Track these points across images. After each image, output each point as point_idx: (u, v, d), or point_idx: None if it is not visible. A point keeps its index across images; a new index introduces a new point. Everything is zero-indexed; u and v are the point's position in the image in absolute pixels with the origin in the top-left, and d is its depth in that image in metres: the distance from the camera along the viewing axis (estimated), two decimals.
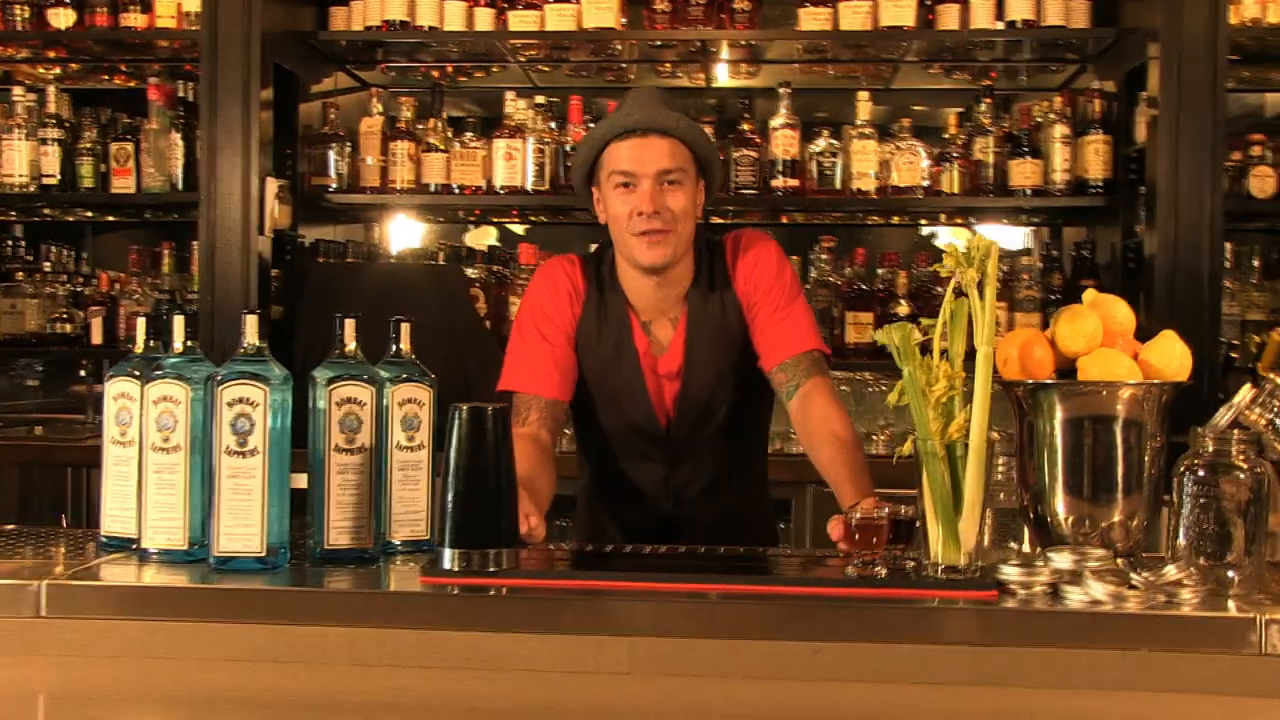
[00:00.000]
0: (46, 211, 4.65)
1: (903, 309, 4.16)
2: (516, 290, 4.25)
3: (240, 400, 1.85)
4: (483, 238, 5.14)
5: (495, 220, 4.99)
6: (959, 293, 1.90)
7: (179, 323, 1.97)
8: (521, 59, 4.45)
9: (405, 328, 2.11)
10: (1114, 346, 1.88)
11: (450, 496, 1.84)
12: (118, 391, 2.02)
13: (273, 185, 3.97)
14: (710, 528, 2.39)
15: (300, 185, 4.24)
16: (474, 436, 1.84)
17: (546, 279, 2.60)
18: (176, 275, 4.48)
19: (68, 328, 4.36)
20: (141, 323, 2.10)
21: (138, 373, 2.01)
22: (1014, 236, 4.90)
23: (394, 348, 2.10)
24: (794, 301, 2.55)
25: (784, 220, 4.73)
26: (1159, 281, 3.76)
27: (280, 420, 1.89)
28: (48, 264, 4.53)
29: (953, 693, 1.70)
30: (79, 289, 4.51)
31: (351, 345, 1.99)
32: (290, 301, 4.10)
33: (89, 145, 4.28)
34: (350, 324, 1.99)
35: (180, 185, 4.21)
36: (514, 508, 1.89)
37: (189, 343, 1.98)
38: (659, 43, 4.28)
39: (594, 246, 2.70)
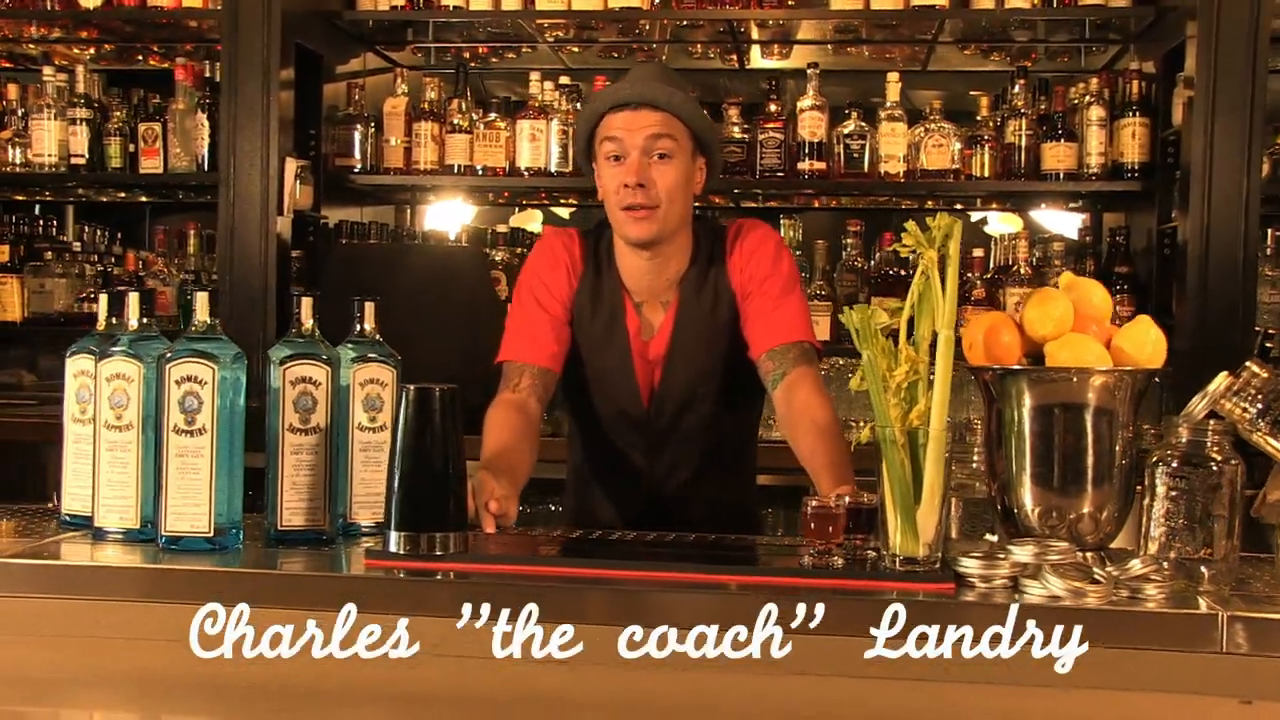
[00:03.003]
0: (80, 191, 4.69)
1: None
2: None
3: (188, 378, 1.84)
4: (526, 220, 5.12)
5: (525, 202, 4.95)
6: (925, 274, 1.84)
7: (134, 299, 1.96)
8: (549, 39, 4.41)
9: (369, 306, 2.08)
10: (1087, 332, 1.81)
11: (397, 478, 1.81)
12: (77, 369, 2.02)
13: (292, 165, 3.97)
14: (689, 523, 2.34)
15: (324, 166, 4.24)
16: (421, 418, 1.80)
17: (545, 250, 2.57)
18: (204, 255, 4.50)
19: (95, 307, 4.39)
20: (103, 299, 2.09)
21: (95, 349, 2.00)
22: (1057, 222, 4.78)
23: (358, 327, 2.08)
24: (789, 293, 2.49)
25: (814, 204, 4.65)
26: (1192, 268, 3.63)
27: (231, 399, 1.87)
28: (78, 244, 4.57)
29: (905, 687, 1.64)
30: (108, 269, 4.55)
31: (309, 323, 1.97)
32: (311, 283, 4.10)
33: (118, 125, 4.31)
34: (307, 301, 1.97)
35: (206, 166, 4.23)
36: (463, 490, 1.85)
37: (144, 320, 1.97)
38: (686, 23, 4.22)
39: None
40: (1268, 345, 3.66)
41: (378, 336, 2.08)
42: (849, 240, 4.21)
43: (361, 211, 4.62)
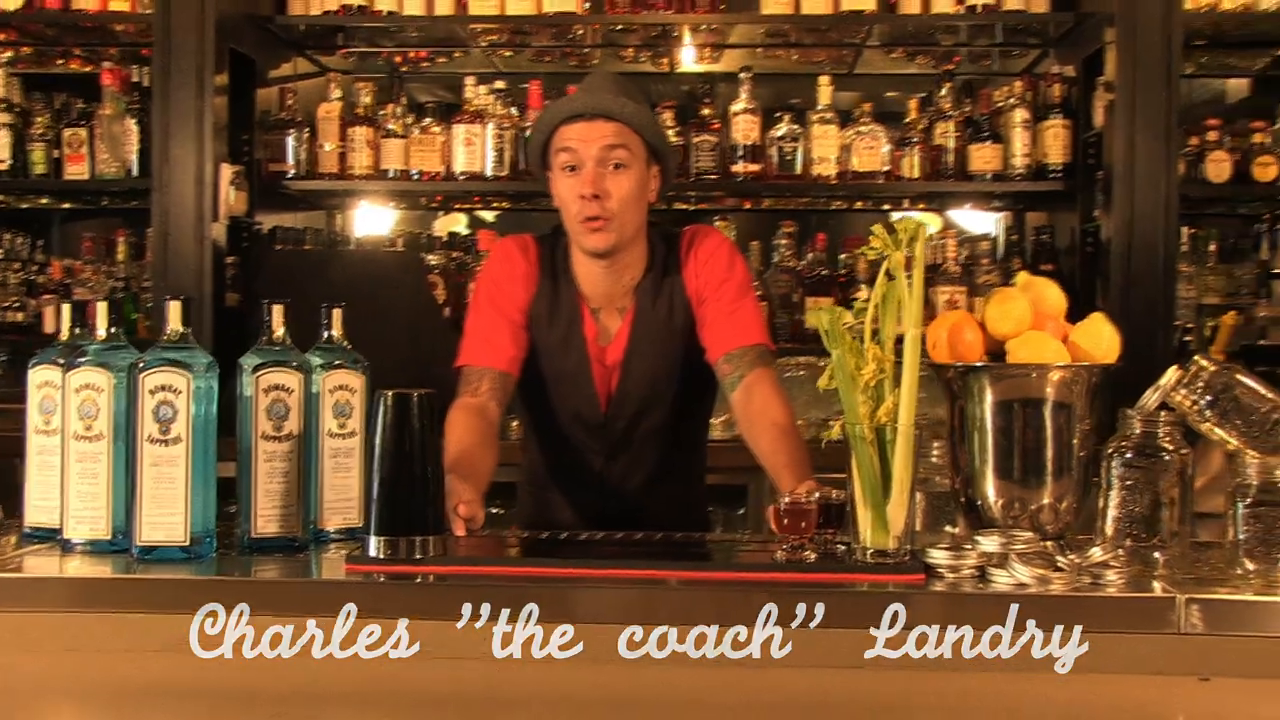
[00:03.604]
0: (1, 198, 4.61)
1: (864, 294, 4.12)
2: (476, 277, 4.22)
3: (163, 388, 1.83)
4: (452, 224, 5.12)
5: (458, 206, 4.96)
6: (891, 275, 1.90)
7: (102, 309, 1.96)
8: (482, 44, 4.42)
9: (337, 313, 2.09)
10: (1044, 329, 1.88)
11: (376, 483, 1.82)
12: (41, 380, 2.00)
13: (227, 171, 3.94)
14: (644, 523, 2.38)
15: (258, 172, 4.21)
16: (399, 423, 1.82)
17: (502, 257, 2.59)
18: (133, 263, 4.45)
19: (19, 316, 4.32)
20: (66, 309, 2.08)
21: (61, 360, 1.99)
22: (979, 221, 4.90)
23: (325, 334, 2.09)
24: (743, 297, 2.54)
25: (746, 205, 4.71)
26: (1115, 265, 3.76)
27: (204, 408, 1.87)
28: (1, 251, 4.48)
29: (882, 675, 1.69)
30: (32, 277, 4.47)
31: (280, 331, 1.97)
32: (246, 289, 4.07)
33: (41, 131, 4.24)
34: (278, 309, 1.97)
35: (136, 172, 4.18)
36: (441, 494, 1.87)
37: (112, 329, 1.96)
38: (620, 27, 4.26)
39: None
40: (1187, 339, 3.81)
41: (345, 343, 2.09)
42: (782, 241, 4.28)
43: (294, 217, 4.59)
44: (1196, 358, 1.81)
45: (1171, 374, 1.80)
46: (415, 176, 4.22)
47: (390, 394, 1.83)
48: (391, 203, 4.78)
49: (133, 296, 4.33)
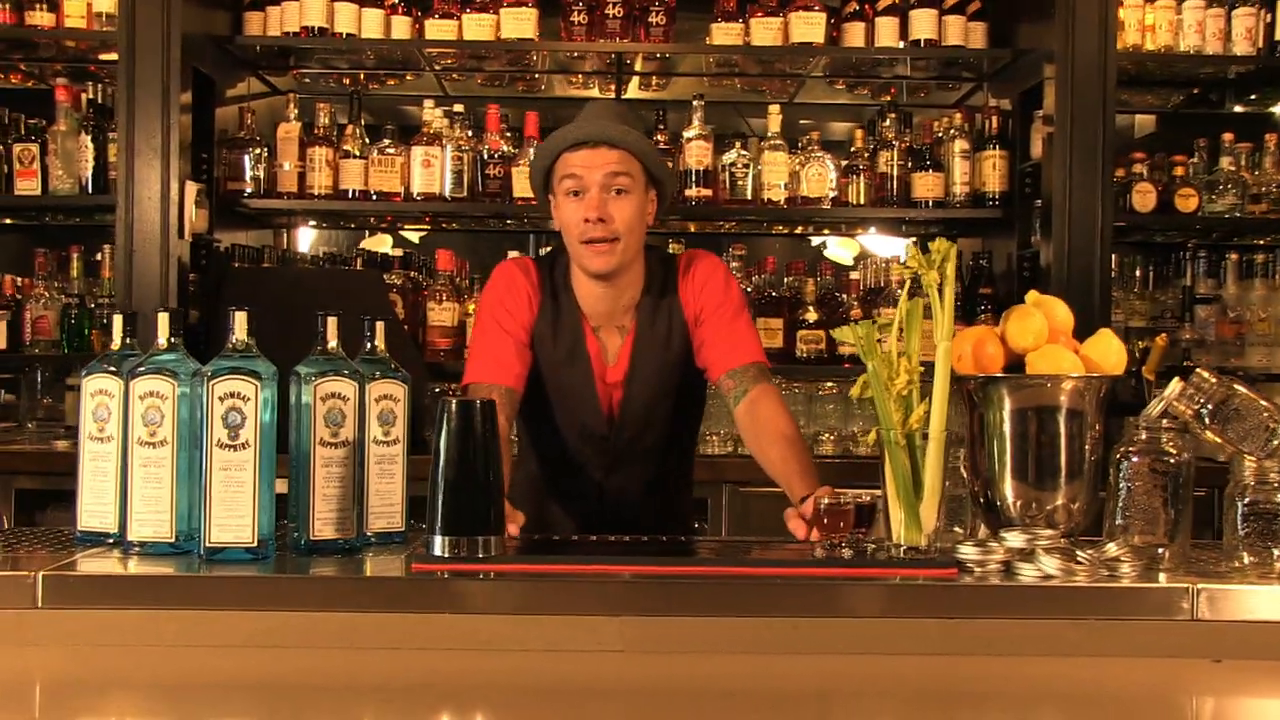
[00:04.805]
0: None
1: (811, 315, 4.32)
2: (435, 296, 4.30)
3: (232, 394, 1.90)
4: (379, 244, 5.17)
5: (408, 226, 5.01)
6: (913, 293, 2.05)
7: (164, 319, 2.01)
8: (437, 67, 4.51)
9: (380, 326, 2.17)
10: (1056, 343, 2.04)
11: (441, 486, 1.91)
12: (96, 388, 2.04)
13: (192, 189, 3.96)
14: (637, 530, 2.49)
15: (216, 190, 4.23)
16: (463, 429, 1.91)
17: (504, 278, 2.67)
18: (84, 279, 4.42)
19: None
20: (118, 320, 2.12)
21: (114, 369, 2.04)
22: (892, 247, 5.07)
23: (368, 345, 2.16)
24: (740, 316, 2.67)
25: (691, 229, 4.85)
26: (1053, 290, 3.96)
27: (269, 415, 1.93)
28: None
29: (918, 662, 1.82)
30: None
31: (334, 342, 2.05)
32: (206, 305, 4.08)
33: None
34: (333, 321, 2.05)
35: (90, 188, 4.18)
36: (500, 496, 1.96)
37: (172, 339, 2.02)
38: (576, 54, 4.38)
39: (545, 249, 2.79)
40: None
41: (386, 355, 2.16)
42: (734, 264, 4.42)
43: (246, 235, 4.61)
44: (1198, 369, 1.98)
45: (1175, 385, 1.97)
46: (374, 197, 4.28)
47: (455, 401, 1.92)
48: (344, 223, 4.82)
49: (88, 313, 4.31)
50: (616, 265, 2.57)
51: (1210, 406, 1.96)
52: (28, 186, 4.23)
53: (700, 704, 1.72)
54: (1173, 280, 4.43)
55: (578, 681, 1.77)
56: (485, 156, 4.32)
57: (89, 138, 4.18)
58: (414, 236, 5.22)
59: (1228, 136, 4.37)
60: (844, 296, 4.45)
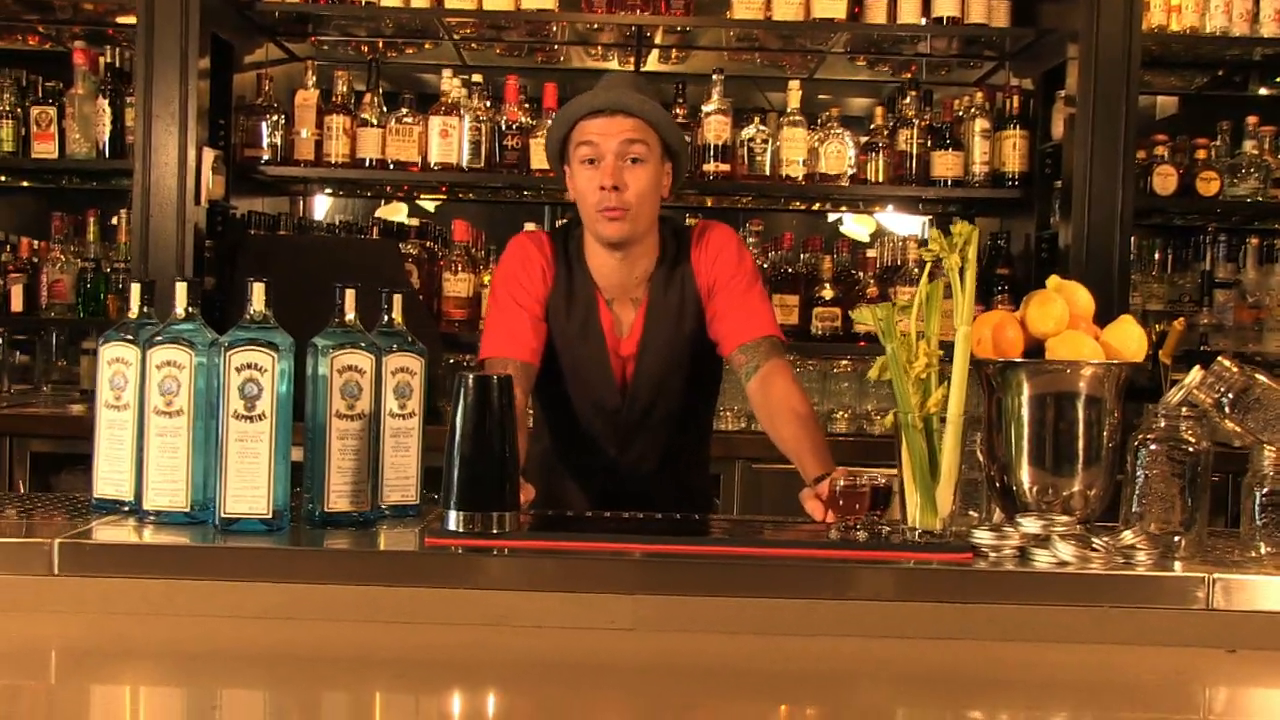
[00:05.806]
0: None
1: (827, 293, 4.30)
2: (451, 267, 4.29)
3: (249, 365, 1.89)
4: (395, 213, 5.16)
5: (424, 196, 5.00)
6: (933, 275, 2.03)
7: (181, 289, 2.00)
8: (456, 37, 4.49)
9: (397, 299, 2.16)
10: (1077, 329, 2.02)
11: (456, 461, 1.90)
12: (113, 356, 2.04)
13: (209, 155, 3.96)
14: (653, 506, 2.49)
15: (233, 157, 4.23)
16: (479, 404, 1.90)
17: (519, 251, 2.67)
18: (100, 243, 4.43)
19: None
20: (136, 288, 2.12)
21: (131, 338, 2.03)
22: (909, 225, 5.06)
23: (385, 318, 2.16)
24: (752, 289, 2.66)
25: (709, 204, 4.83)
26: (1071, 272, 3.94)
27: (286, 387, 1.93)
28: None
29: (931, 646, 1.82)
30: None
31: (351, 315, 2.04)
32: (222, 273, 4.08)
33: (7, 108, 4.20)
34: (350, 294, 2.04)
35: (108, 153, 4.17)
36: (515, 472, 1.96)
37: (190, 309, 2.01)
38: (595, 26, 4.35)
39: (560, 221, 2.78)
40: None
41: (403, 327, 2.16)
42: (750, 239, 4.41)
43: (263, 202, 4.60)
44: (1220, 358, 1.97)
45: (1195, 373, 1.96)
46: (391, 166, 4.27)
47: (471, 376, 1.91)
48: (361, 191, 4.81)
49: (104, 277, 4.31)
50: (630, 233, 2.56)
51: (1231, 395, 1.95)
52: (45, 149, 4.23)
53: (712, 683, 1.72)
54: (1192, 264, 4.40)
55: (590, 658, 1.77)
56: (503, 127, 4.30)
57: (106, 102, 4.17)
58: (430, 206, 5.21)
59: (1252, 119, 4.34)
60: (860, 274, 4.43)
